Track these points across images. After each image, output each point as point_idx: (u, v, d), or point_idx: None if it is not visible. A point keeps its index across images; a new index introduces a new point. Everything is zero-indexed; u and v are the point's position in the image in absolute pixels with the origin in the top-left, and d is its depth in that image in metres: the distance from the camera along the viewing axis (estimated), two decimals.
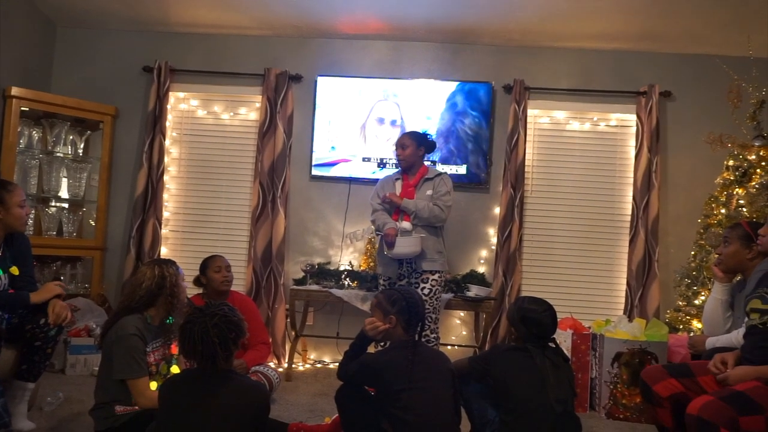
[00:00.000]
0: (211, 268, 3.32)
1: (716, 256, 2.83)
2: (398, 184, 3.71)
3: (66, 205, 4.58)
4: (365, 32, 4.60)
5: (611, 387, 3.45)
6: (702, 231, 3.85)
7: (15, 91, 4.13)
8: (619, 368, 3.45)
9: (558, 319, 2.43)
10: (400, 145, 3.66)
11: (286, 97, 4.59)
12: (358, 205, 4.51)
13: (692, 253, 3.90)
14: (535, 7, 4.12)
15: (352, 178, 4.58)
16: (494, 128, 4.55)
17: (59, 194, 4.51)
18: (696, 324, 3.61)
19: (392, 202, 3.57)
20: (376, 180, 3.92)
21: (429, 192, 3.59)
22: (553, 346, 2.36)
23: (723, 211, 3.73)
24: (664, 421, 2.44)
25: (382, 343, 3.53)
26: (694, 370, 2.41)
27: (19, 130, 4.19)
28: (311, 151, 4.61)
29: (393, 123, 4.56)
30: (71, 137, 4.53)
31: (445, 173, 3.73)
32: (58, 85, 4.71)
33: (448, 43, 4.63)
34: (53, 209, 4.49)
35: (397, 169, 3.88)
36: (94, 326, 3.89)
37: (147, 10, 4.49)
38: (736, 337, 2.50)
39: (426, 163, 3.78)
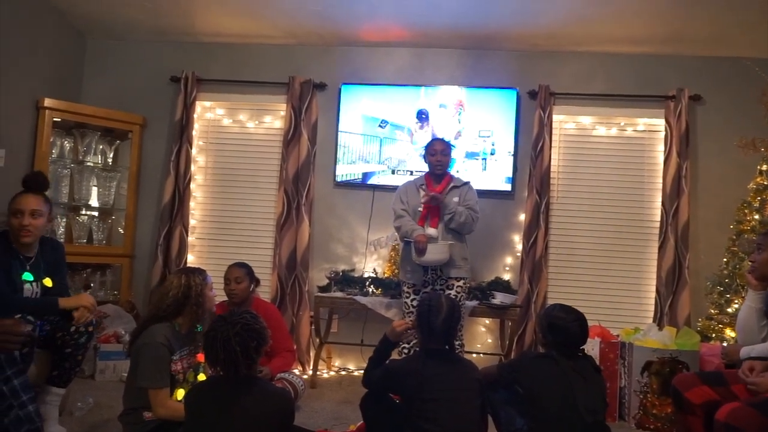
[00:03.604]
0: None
1: (750, 263, 2.75)
2: (422, 190, 3.69)
3: (96, 214, 4.67)
4: (388, 40, 4.61)
5: (641, 397, 3.38)
6: (734, 237, 3.76)
7: (48, 102, 4.24)
8: (649, 377, 3.37)
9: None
10: (440, 151, 3.61)
11: (310, 105, 4.62)
12: (382, 212, 4.50)
13: (724, 259, 3.80)
14: (558, 11, 4.08)
15: (376, 186, 4.59)
16: (519, 134, 4.52)
17: (89, 203, 4.60)
18: (729, 333, 3.52)
19: (435, 198, 3.49)
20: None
21: (455, 199, 3.56)
22: (582, 355, 2.31)
23: (756, 216, 3.64)
24: (694, 430, 2.37)
25: (406, 350, 3.53)
26: (728, 378, 2.35)
27: (51, 140, 4.29)
28: (335, 159, 4.63)
29: (420, 129, 4.55)
30: (101, 147, 4.62)
31: (470, 182, 3.70)
32: (88, 95, 4.81)
33: (472, 49, 4.61)
34: (84, 217, 4.58)
35: (419, 176, 3.86)
36: (123, 333, 3.95)
37: (173, 20, 4.57)
38: None
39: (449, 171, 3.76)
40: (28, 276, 2.72)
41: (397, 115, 4.57)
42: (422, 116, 4.50)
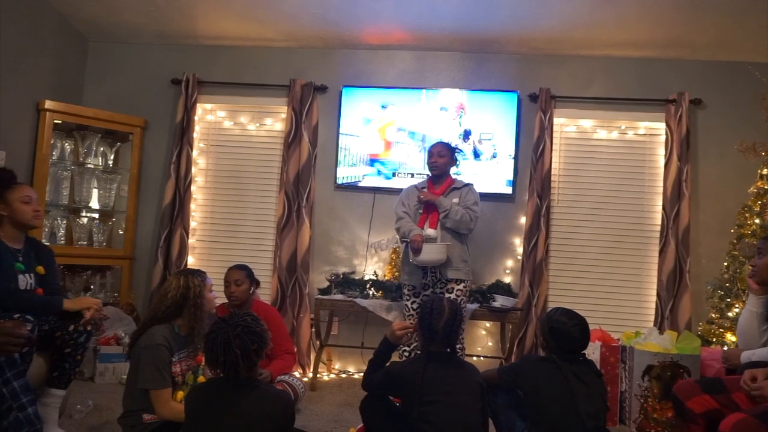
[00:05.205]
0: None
1: (750, 267, 2.75)
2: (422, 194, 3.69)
3: (96, 216, 4.67)
4: (390, 43, 4.62)
5: (642, 401, 3.37)
6: (735, 241, 3.76)
7: (48, 104, 4.24)
8: (650, 381, 3.36)
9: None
10: (437, 153, 3.64)
11: (311, 108, 4.62)
12: (383, 215, 4.51)
13: (725, 264, 3.80)
14: (560, 15, 4.09)
15: (376, 188, 4.59)
16: (520, 137, 4.52)
17: (90, 205, 4.60)
18: (730, 337, 3.52)
19: (428, 200, 3.54)
20: (400, 189, 3.91)
21: (455, 200, 3.57)
22: (583, 360, 2.31)
23: (757, 221, 3.64)
24: None
25: (406, 353, 3.53)
26: (729, 385, 2.33)
27: (52, 142, 4.29)
28: (336, 161, 4.63)
29: (421, 132, 4.55)
30: (102, 149, 4.62)
31: (472, 184, 3.71)
32: (89, 98, 4.82)
33: (473, 52, 4.62)
34: (84, 219, 4.58)
35: (422, 179, 3.86)
36: (123, 335, 3.95)
37: (175, 24, 4.57)
38: None
39: (452, 174, 3.76)
40: (20, 267, 2.72)
41: (398, 118, 4.57)
42: (467, 135, 4.51)
